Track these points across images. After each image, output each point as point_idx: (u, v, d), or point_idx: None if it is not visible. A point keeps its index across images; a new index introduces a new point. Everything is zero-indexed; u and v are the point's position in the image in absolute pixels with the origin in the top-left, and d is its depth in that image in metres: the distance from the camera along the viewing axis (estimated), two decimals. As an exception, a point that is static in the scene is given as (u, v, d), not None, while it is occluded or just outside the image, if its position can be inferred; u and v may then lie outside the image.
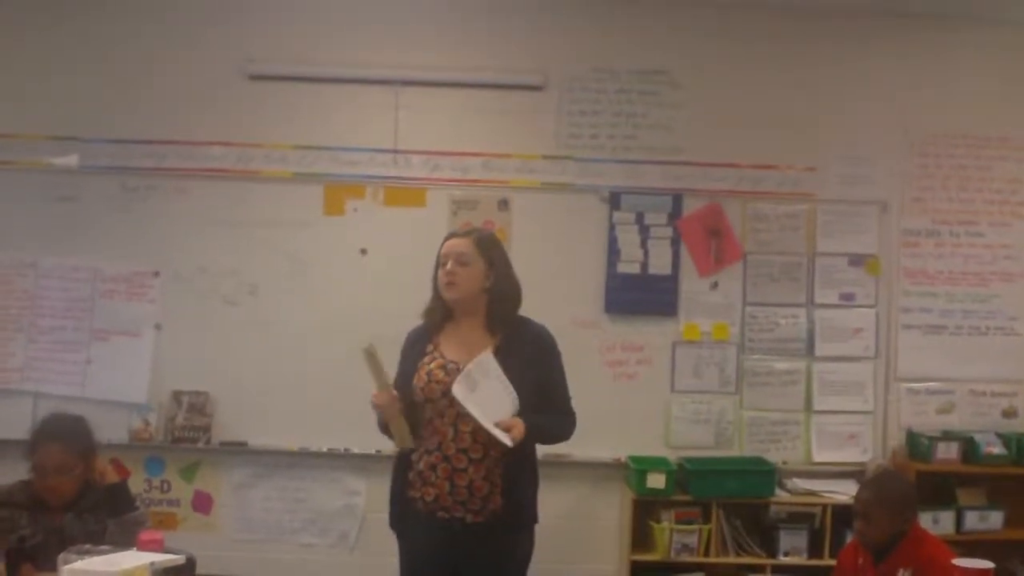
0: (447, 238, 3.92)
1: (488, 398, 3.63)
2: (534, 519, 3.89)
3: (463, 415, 3.62)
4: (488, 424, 3.56)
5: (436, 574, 3.81)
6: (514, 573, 3.88)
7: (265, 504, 5.72)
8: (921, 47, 5.84)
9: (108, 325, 5.67)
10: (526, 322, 3.93)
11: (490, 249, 3.88)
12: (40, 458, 3.87)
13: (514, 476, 3.71)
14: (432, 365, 3.78)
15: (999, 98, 5.89)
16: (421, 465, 3.75)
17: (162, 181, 5.69)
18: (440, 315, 3.89)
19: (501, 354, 3.73)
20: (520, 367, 3.74)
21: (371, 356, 3.64)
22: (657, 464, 5.50)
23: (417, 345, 3.89)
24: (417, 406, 3.77)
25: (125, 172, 5.68)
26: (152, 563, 2.98)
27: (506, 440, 3.57)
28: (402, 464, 3.84)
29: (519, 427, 3.62)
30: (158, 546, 3.36)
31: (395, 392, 3.72)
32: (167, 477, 5.71)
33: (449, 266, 3.80)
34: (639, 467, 5.44)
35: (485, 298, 3.83)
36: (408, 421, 3.74)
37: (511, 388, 3.69)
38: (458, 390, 3.56)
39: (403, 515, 3.85)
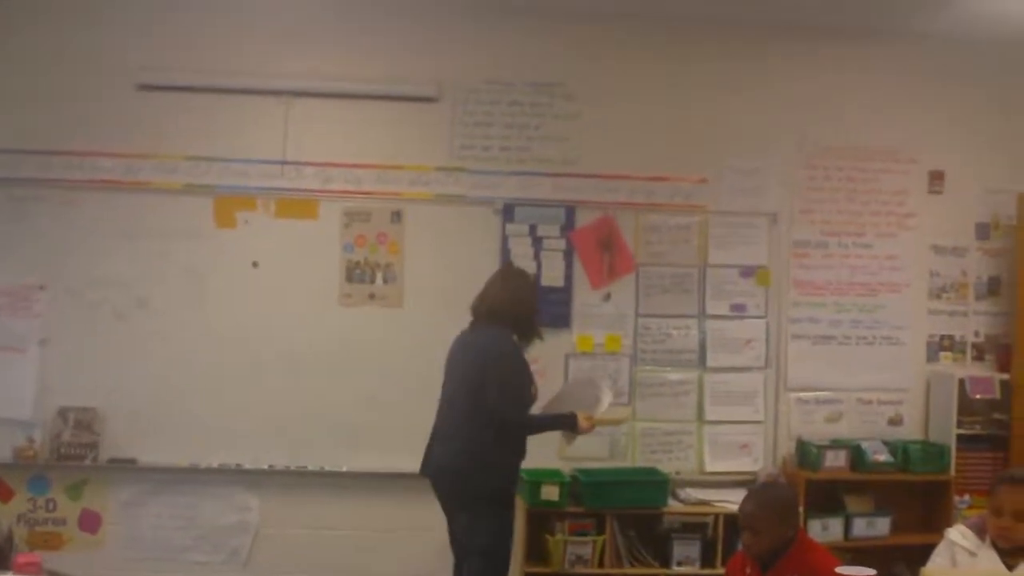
0: None
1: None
2: None
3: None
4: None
5: None
6: None
7: (155, 522, 5.60)
8: (813, 60, 5.95)
9: (-10, 340, 5.54)
10: None
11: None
12: None
13: None
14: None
15: (887, 111, 6.01)
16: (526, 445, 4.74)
17: (49, 192, 5.56)
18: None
19: None
20: None
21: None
22: (550, 476, 5.50)
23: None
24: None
25: (11, 183, 5.55)
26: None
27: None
28: (521, 448, 4.73)
29: None
30: (36, 569, 3.28)
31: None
32: (53, 496, 5.56)
33: None
34: (532, 479, 5.42)
35: None
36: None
37: None
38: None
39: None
